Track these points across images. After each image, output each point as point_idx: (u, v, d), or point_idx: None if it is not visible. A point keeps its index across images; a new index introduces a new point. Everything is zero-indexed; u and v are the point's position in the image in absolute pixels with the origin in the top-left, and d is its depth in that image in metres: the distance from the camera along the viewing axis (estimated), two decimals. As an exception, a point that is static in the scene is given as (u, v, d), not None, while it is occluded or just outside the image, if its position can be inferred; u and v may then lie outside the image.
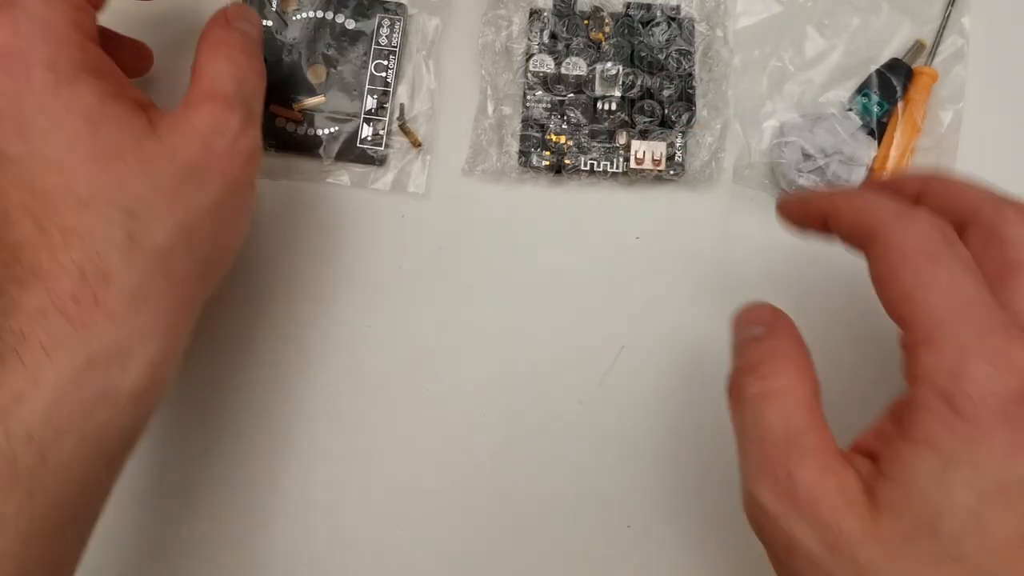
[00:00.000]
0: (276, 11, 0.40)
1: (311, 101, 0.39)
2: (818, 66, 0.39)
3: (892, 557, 0.21)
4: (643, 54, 0.39)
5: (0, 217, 0.26)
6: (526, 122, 0.39)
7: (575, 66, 0.38)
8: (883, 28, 0.39)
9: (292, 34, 0.40)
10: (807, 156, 0.37)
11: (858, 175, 0.37)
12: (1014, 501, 0.20)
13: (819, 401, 0.25)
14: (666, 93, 0.38)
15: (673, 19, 0.39)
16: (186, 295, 0.28)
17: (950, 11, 0.39)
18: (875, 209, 0.24)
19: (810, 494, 0.22)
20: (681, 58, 0.38)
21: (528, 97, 0.39)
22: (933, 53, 0.39)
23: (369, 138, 0.39)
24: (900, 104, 0.38)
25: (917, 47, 0.39)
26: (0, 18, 0.27)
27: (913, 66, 0.38)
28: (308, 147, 0.39)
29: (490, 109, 0.39)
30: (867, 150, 0.37)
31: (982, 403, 0.20)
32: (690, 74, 0.39)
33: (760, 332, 0.26)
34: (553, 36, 0.39)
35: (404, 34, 0.40)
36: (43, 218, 0.26)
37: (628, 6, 0.39)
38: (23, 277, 0.25)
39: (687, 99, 0.38)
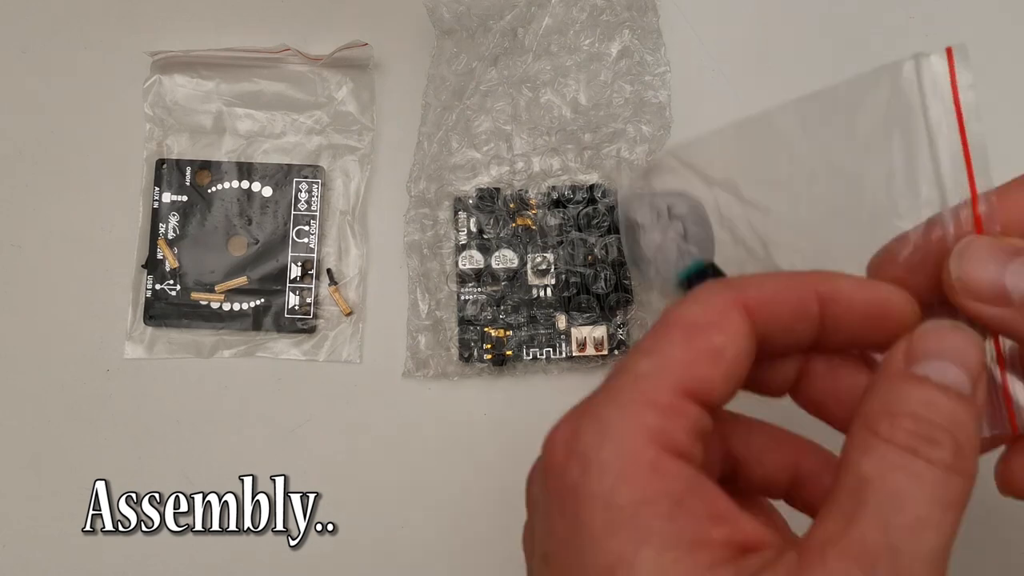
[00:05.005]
0: (192, 185, 0.39)
1: (233, 282, 0.39)
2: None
3: None
4: (572, 247, 0.38)
5: None
6: (463, 322, 0.38)
7: (506, 259, 0.38)
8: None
9: (211, 207, 0.39)
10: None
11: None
12: None
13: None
14: (601, 285, 0.38)
15: (596, 199, 0.39)
16: None
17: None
18: None
19: None
20: (611, 246, 0.38)
21: (462, 294, 0.38)
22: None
23: (297, 307, 0.39)
24: None
25: None
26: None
27: None
28: (235, 321, 0.39)
29: (423, 309, 0.38)
30: None
31: None
32: (623, 263, 0.39)
33: None
34: (480, 229, 0.39)
35: (323, 198, 0.40)
36: None
37: (552, 188, 0.39)
38: None
39: (623, 289, 0.38)
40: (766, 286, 0.22)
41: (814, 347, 0.23)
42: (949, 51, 0.23)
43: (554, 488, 0.20)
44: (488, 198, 0.39)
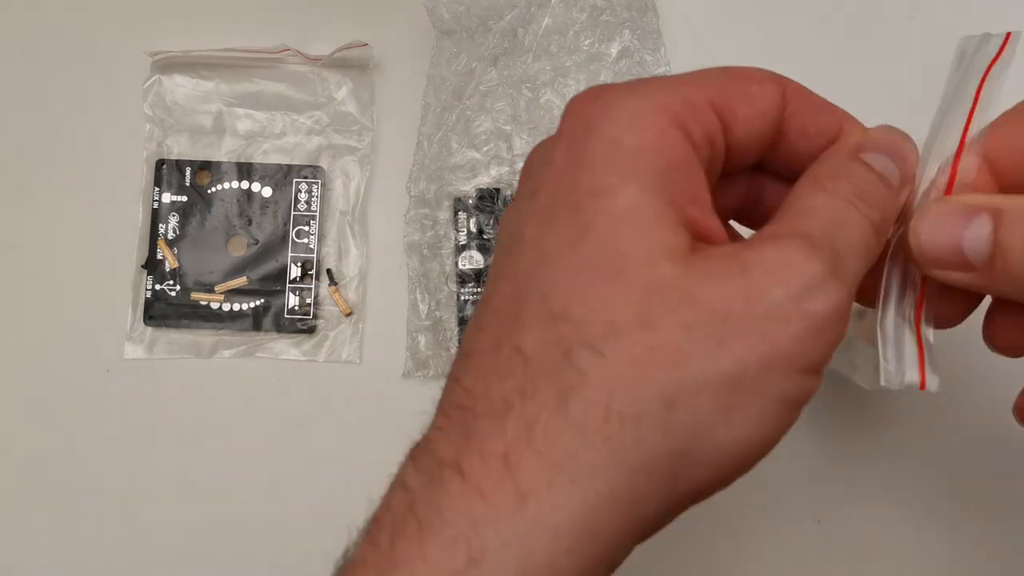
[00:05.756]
0: (191, 185, 0.39)
1: (233, 283, 0.39)
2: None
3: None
4: None
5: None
6: (463, 322, 0.38)
7: None
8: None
9: (211, 207, 0.39)
10: None
11: None
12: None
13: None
14: None
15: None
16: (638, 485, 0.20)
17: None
18: None
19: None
20: None
21: (462, 294, 0.38)
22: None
23: (296, 308, 0.39)
24: None
25: None
26: None
27: None
28: (235, 322, 0.39)
29: (423, 309, 0.38)
30: None
31: None
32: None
33: None
34: (480, 229, 0.39)
35: (323, 198, 0.40)
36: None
37: None
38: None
39: None
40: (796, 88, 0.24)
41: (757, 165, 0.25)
42: (1008, 36, 0.25)
43: (569, 129, 0.22)
44: (488, 198, 0.39)
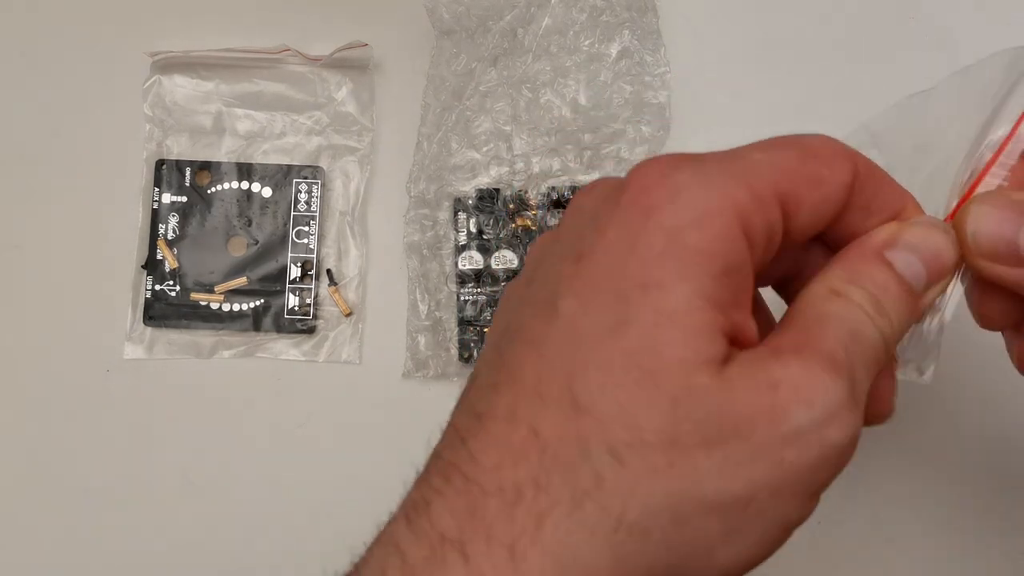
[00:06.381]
0: (191, 186, 0.39)
1: (233, 283, 0.39)
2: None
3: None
4: None
5: None
6: (462, 323, 0.38)
7: (505, 260, 0.38)
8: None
9: (211, 208, 0.39)
10: None
11: None
12: None
13: None
14: None
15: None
16: None
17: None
18: None
19: None
20: None
21: (461, 294, 0.38)
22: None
23: (296, 308, 0.39)
24: None
25: None
26: None
27: None
28: (234, 322, 0.39)
29: (423, 310, 0.38)
30: None
31: None
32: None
33: None
34: (480, 230, 0.39)
35: (323, 199, 0.40)
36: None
37: (552, 189, 0.39)
38: None
39: None
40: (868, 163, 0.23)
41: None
42: None
43: (629, 202, 0.21)
44: (488, 199, 0.39)
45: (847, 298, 0.21)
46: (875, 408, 0.23)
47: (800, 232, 0.22)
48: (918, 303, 0.22)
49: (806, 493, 0.20)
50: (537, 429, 0.20)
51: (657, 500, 0.19)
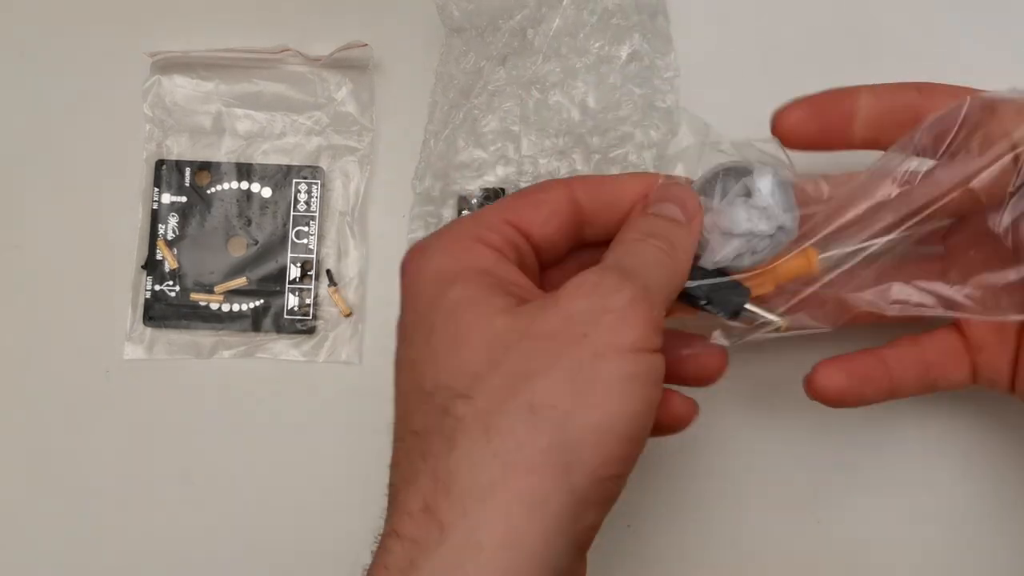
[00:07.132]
0: (191, 186, 0.39)
1: (232, 283, 0.39)
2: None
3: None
4: None
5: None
6: None
7: None
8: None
9: (211, 208, 0.39)
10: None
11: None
12: None
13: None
14: None
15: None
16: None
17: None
18: None
19: None
20: None
21: None
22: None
23: (296, 308, 0.39)
24: None
25: None
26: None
27: None
28: (234, 322, 0.39)
29: None
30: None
31: None
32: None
33: None
34: None
35: (323, 199, 0.40)
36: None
37: None
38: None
39: None
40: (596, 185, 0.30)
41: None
42: None
43: (406, 278, 0.28)
44: (493, 198, 0.39)
45: (620, 240, 0.28)
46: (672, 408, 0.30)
47: (551, 240, 0.29)
48: (687, 228, 0.28)
49: (625, 348, 0.24)
50: (413, 428, 0.26)
51: (507, 403, 0.24)
